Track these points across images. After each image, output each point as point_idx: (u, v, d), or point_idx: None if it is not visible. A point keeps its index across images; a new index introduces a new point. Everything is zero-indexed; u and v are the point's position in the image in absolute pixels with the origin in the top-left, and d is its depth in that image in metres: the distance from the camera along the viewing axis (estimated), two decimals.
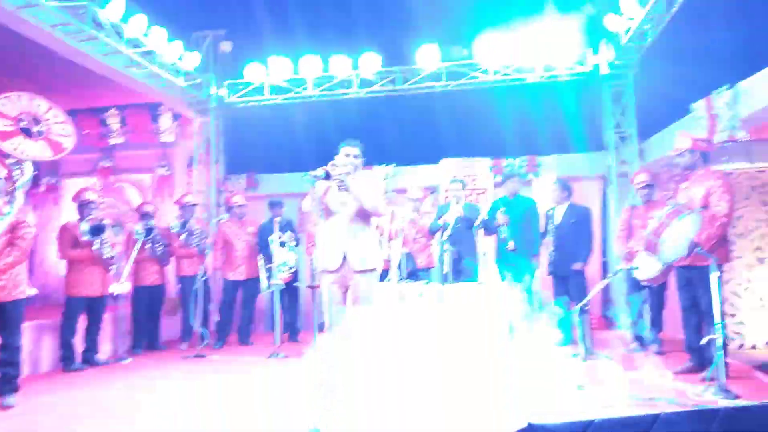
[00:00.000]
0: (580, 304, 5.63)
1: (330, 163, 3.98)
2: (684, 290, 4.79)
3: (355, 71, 8.79)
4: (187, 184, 10.22)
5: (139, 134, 10.36)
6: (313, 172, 3.64)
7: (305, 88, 8.96)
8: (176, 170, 10.29)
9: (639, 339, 5.98)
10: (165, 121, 10.17)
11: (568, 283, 6.05)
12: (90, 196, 6.12)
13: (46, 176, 10.67)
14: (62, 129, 4.88)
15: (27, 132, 4.66)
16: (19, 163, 4.69)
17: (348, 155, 4.19)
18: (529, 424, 1.37)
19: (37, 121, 4.77)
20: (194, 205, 7.40)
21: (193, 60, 8.56)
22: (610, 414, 3.28)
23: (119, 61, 7.42)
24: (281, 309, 6.55)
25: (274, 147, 9.90)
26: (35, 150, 4.64)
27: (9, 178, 4.48)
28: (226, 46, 9.27)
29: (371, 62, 8.69)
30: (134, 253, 6.55)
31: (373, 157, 8.97)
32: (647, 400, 3.98)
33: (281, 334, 6.46)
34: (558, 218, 6.19)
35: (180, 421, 3.91)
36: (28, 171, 4.78)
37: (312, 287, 3.34)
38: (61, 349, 5.92)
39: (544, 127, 8.63)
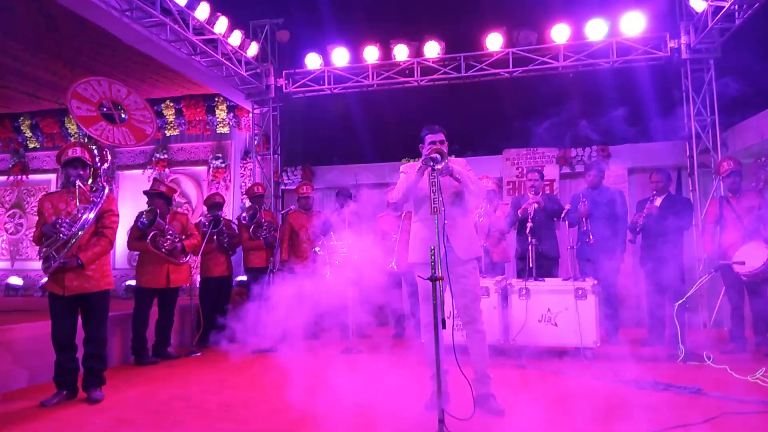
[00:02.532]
0: (679, 302, 5.29)
1: (432, 148, 3.71)
2: None
3: (416, 59, 8.52)
4: (240, 176, 10.14)
5: (194, 126, 10.27)
6: (431, 156, 3.39)
7: (365, 77, 8.72)
8: (231, 162, 10.18)
9: (737, 340, 5.58)
10: (220, 112, 10.05)
11: (662, 278, 5.66)
12: (161, 187, 5.98)
13: None
14: (143, 115, 4.73)
15: (109, 118, 4.51)
16: (100, 149, 4.54)
17: (434, 143, 3.91)
18: None
19: (117, 106, 4.61)
20: (263, 196, 7.22)
21: (252, 49, 8.41)
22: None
23: (184, 48, 7.28)
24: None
25: (331, 138, 9.71)
26: (119, 136, 4.49)
27: (93, 164, 4.34)
28: (283, 35, 9.08)
29: (433, 49, 8.41)
30: (202, 245, 6.42)
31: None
32: None
33: (353, 329, 6.27)
34: (656, 209, 5.78)
35: (277, 417, 3.71)
36: (108, 158, 4.64)
37: (434, 279, 3.07)
38: (133, 341, 5.80)
39: (616, 115, 8.21)
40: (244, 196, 9.98)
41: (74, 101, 4.31)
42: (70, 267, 4.06)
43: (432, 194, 3.22)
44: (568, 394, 4.12)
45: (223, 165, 10.12)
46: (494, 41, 8.21)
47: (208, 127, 10.26)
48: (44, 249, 4.05)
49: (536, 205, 6.07)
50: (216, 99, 9.97)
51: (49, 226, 4.02)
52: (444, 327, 3.04)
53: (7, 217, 11.05)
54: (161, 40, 6.92)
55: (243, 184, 10.13)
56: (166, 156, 10.40)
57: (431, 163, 3.35)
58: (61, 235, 3.97)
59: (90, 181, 4.32)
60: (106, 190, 4.19)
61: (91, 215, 4.04)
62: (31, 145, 11.07)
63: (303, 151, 9.86)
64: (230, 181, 10.18)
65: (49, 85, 9.57)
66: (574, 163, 8.72)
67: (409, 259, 4.05)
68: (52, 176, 11.03)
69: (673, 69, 7.99)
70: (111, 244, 4.27)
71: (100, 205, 4.09)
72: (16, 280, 10.46)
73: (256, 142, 9.40)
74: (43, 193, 10.95)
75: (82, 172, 4.17)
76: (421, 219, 3.91)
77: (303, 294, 7.04)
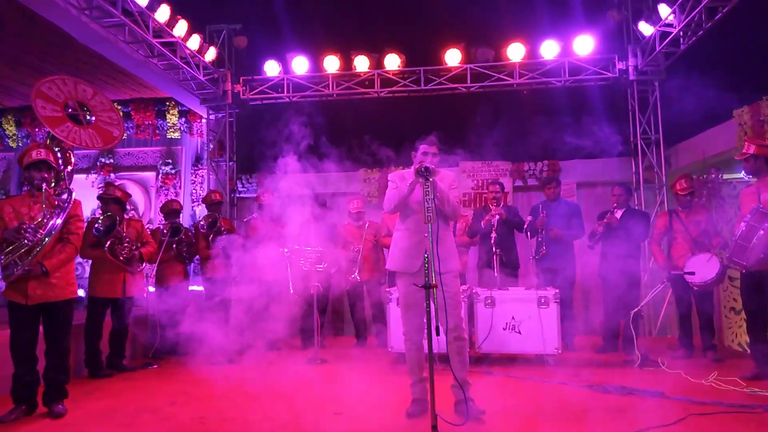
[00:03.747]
0: (635, 311, 5.56)
1: (420, 161, 3.78)
2: (753, 294, 4.72)
3: (377, 70, 8.62)
4: (191, 183, 9.89)
5: (142, 130, 9.95)
6: (423, 167, 3.44)
7: (325, 86, 8.74)
8: (182, 168, 9.92)
9: (686, 346, 5.89)
10: (171, 117, 9.80)
11: (619, 287, 5.91)
12: (117, 192, 5.76)
13: None
14: (110, 117, 4.55)
15: (75, 119, 4.32)
16: (63, 151, 4.35)
17: (426, 153, 3.99)
18: None
19: (83, 107, 4.43)
20: (221, 203, 7.06)
21: (210, 54, 8.26)
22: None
23: (141, 50, 7.08)
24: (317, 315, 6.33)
25: (288, 147, 9.60)
26: (85, 138, 4.30)
27: (56, 167, 4.14)
28: (241, 41, 8.95)
29: (394, 61, 8.53)
30: (159, 253, 6.22)
31: (389, 158, 8.83)
32: (739, 407, 3.88)
33: (318, 338, 6.23)
34: (616, 219, 6.04)
35: (256, 429, 3.62)
36: (72, 161, 4.45)
37: (428, 287, 3.11)
38: (86, 353, 5.53)
39: (566, 131, 8.56)
40: (195, 204, 9.74)
41: (39, 100, 4.09)
42: (34, 275, 3.85)
43: (426, 203, 3.27)
44: (540, 399, 4.24)
45: (173, 171, 9.85)
46: (453, 57, 8.42)
47: (157, 131, 9.98)
48: (6, 256, 3.81)
49: (498, 217, 6.23)
50: (167, 103, 9.72)
51: (12, 231, 3.79)
52: (438, 334, 3.07)
53: None
54: (119, 41, 6.71)
55: (194, 191, 9.88)
56: (111, 161, 10.03)
57: (423, 174, 3.40)
58: (25, 241, 3.76)
59: (53, 184, 4.12)
60: (73, 195, 4.00)
61: (59, 221, 3.84)
62: None
63: (258, 159, 9.71)
64: (180, 187, 9.92)
65: None
66: (527, 176, 9.01)
67: (387, 266, 4.09)
68: None
69: (620, 89, 8.43)
70: (76, 250, 4.08)
71: (67, 210, 3.90)
72: None
73: (210, 148, 9.20)
74: None
75: (47, 175, 3.96)
76: (405, 228, 3.96)
77: (263, 303, 6.91)
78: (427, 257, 3.13)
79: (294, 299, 6.75)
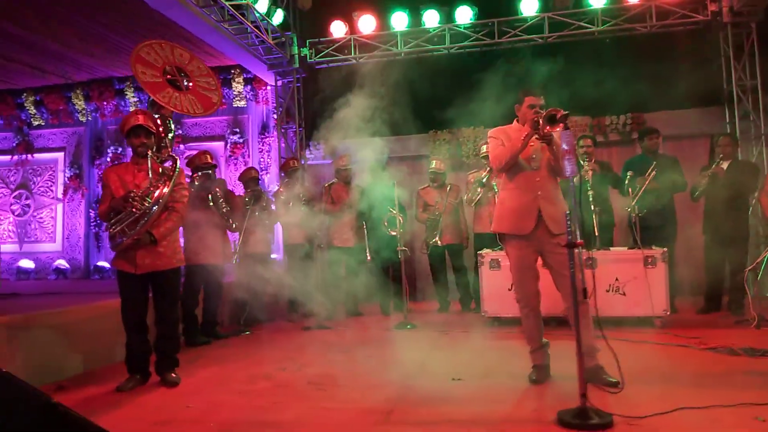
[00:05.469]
0: (749, 268, 5.21)
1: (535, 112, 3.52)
2: None
3: (447, 25, 8.26)
4: (259, 152, 9.82)
5: None
6: (551, 114, 3.20)
7: (393, 45, 8.44)
8: (249, 137, 9.85)
9: None
10: (236, 85, 9.68)
11: (726, 244, 5.54)
12: (209, 158, 5.75)
13: (112, 144, 10.31)
14: (207, 83, 4.42)
15: (174, 84, 4.20)
16: (164, 118, 4.26)
17: (533, 106, 3.72)
18: None
19: (180, 72, 4.30)
20: (298, 170, 6.96)
21: (278, 17, 8.05)
22: None
23: (213, 14, 6.93)
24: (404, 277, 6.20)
25: (357, 111, 9.38)
26: (186, 104, 4.19)
27: (157, 134, 4.04)
28: (306, 2, 8.69)
29: (465, 14, 8.15)
30: (245, 221, 6.17)
31: (461, 118, 8.50)
32: None
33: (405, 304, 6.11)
34: (722, 170, 5.66)
35: (377, 394, 3.50)
36: (172, 127, 4.36)
37: (571, 246, 2.89)
38: (184, 321, 5.54)
39: (651, 81, 8.04)
40: (264, 172, 9.68)
41: (138, 66, 3.98)
42: (143, 243, 3.80)
43: (567, 155, 3.02)
44: (669, 363, 4.00)
45: (241, 140, 9.79)
46: (529, 5, 7.99)
47: (224, 100, 9.87)
48: (113, 225, 3.76)
49: (592, 172, 5.91)
50: (232, 71, 9.59)
51: (120, 200, 3.73)
52: (585, 297, 2.86)
53: (13, 198, 10.61)
54: (189, 4, 6.57)
55: (261, 159, 9.82)
56: (180, 131, 10.01)
57: (555, 121, 3.16)
58: (133, 210, 3.70)
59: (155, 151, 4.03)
60: (178, 162, 3.91)
61: (166, 190, 3.76)
62: (35, 123, 10.57)
63: (326, 125, 9.54)
64: (248, 156, 9.87)
65: (56, 56, 9.10)
66: (608, 131, 8.56)
67: (494, 228, 3.88)
68: (59, 155, 10.58)
69: (712, 33, 7.83)
70: (182, 219, 4.01)
71: (173, 178, 3.81)
72: (27, 263, 10.09)
73: (280, 114, 9.07)
74: (50, 172, 10.56)
75: (146, 141, 3.86)
76: (514, 186, 3.73)
77: (345, 270, 6.81)
78: (569, 214, 2.90)
79: (372, 265, 6.65)
